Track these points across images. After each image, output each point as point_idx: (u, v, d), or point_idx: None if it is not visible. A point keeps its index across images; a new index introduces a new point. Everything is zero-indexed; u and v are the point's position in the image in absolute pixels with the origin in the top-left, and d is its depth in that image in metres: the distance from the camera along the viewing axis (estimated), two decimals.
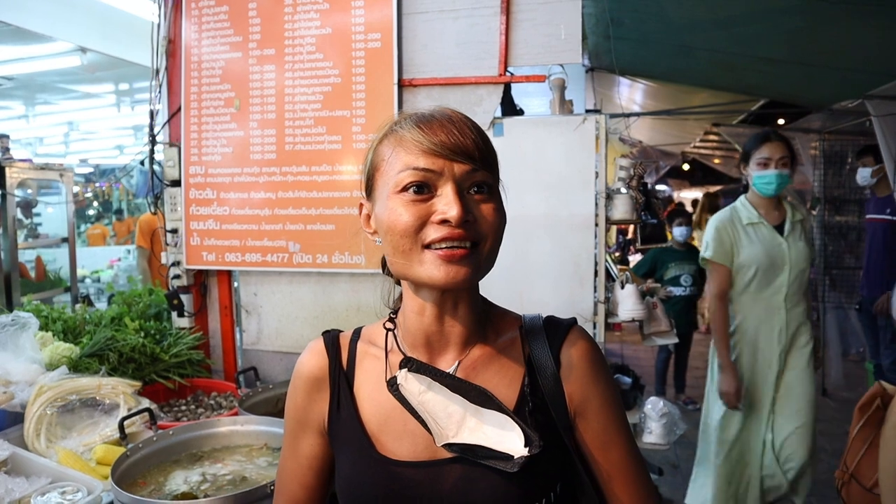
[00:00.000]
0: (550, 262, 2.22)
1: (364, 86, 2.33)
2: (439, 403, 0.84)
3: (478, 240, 0.79)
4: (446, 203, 0.77)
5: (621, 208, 2.22)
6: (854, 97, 4.05)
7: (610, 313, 2.27)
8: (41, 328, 2.26)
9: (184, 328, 2.58)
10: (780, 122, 6.97)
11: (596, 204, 2.19)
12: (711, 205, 8.22)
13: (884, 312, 4.23)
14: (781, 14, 3.03)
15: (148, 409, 1.92)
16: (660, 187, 13.02)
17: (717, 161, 10.48)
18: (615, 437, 0.88)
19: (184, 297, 2.58)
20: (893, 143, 3.95)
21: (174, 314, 2.59)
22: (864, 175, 4.48)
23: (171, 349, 2.42)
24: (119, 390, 1.99)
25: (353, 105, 2.34)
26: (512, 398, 0.86)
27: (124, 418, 1.85)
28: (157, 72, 2.60)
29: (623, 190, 2.24)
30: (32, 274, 4.48)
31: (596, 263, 2.21)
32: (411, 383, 0.85)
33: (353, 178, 2.35)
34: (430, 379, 0.85)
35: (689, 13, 3.37)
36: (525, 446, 0.80)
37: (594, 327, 2.21)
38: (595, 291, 2.21)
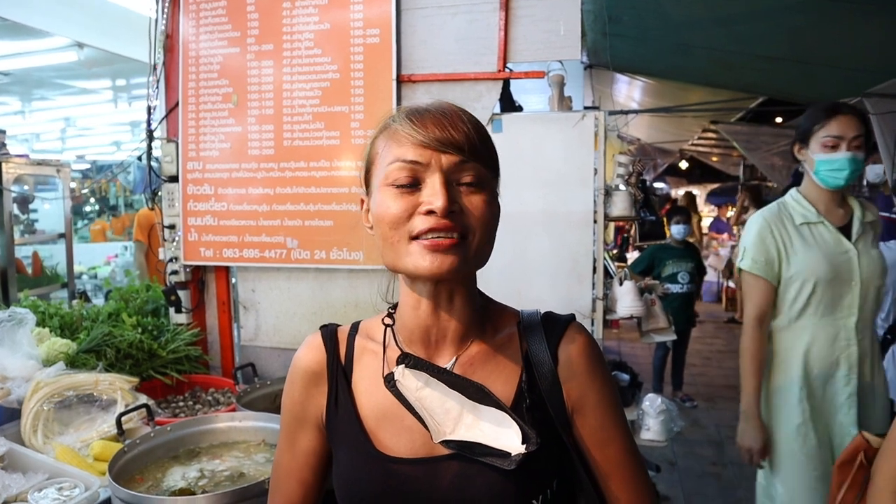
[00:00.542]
0: (549, 258, 2.22)
1: (363, 81, 2.32)
2: (437, 400, 0.84)
3: (465, 231, 0.79)
4: (432, 193, 0.77)
5: (620, 205, 2.22)
6: (853, 95, 4.06)
7: (608, 310, 2.27)
8: (38, 324, 2.25)
9: (181, 324, 2.57)
10: (778, 119, 6.98)
11: (595, 201, 2.19)
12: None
13: None
14: (781, 12, 3.03)
15: (145, 405, 1.92)
16: (657, 185, 13.03)
17: (714, 159, 10.50)
18: (613, 434, 0.88)
19: (181, 293, 2.58)
20: (891, 140, 3.96)
21: (172, 310, 2.58)
22: (876, 172, 4.44)
23: (168, 345, 2.42)
24: (116, 386, 1.99)
25: (351, 101, 2.34)
26: (509, 395, 0.86)
27: (122, 414, 1.85)
28: (155, 67, 2.59)
29: (622, 187, 2.24)
30: (29, 270, 4.46)
31: (594, 260, 2.20)
32: (409, 379, 0.84)
33: (352, 174, 2.35)
34: (427, 375, 0.84)
35: (688, 10, 3.37)
36: (522, 443, 0.80)
37: (592, 324, 2.21)
38: (593, 288, 2.21)
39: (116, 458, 1.59)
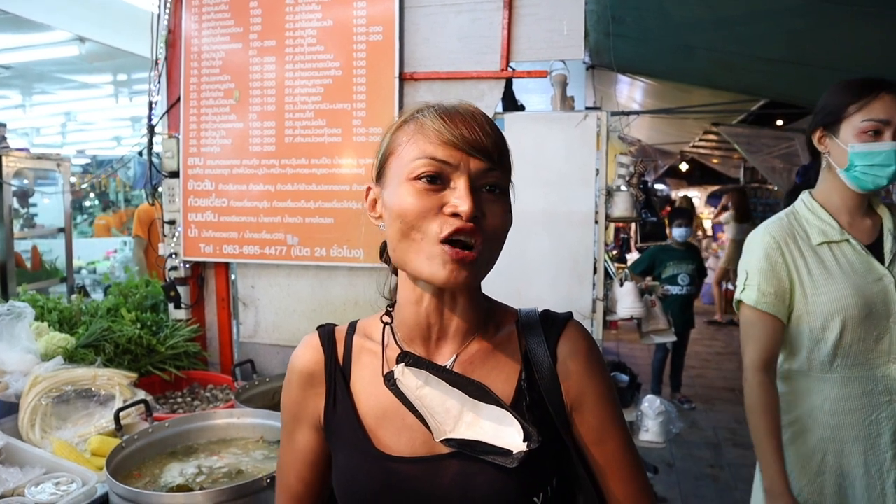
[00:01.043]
0: (549, 259, 2.22)
1: (365, 79, 2.32)
2: (437, 398, 0.84)
3: (484, 238, 0.78)
4: (459, 196, 0.76)
5: (621, 206, 2.21)
6: None
7: (608, 311, 2.27)
8: (37, 318, 2.25)
9: (180, 320, 2.57)
10: (779, 122, 6.98)
11: (596, 201, 2.19)
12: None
13: None
14: (783, 14, 3.03)
15: (144, 401, 1.92)
16: (658, 186, 13.05)
17: (715, 161, 10.51)
18: (611, 432, 0.88)
19: (181, 289, 2.57)
20: None
21: (171, 306, 2.58)
22: None
23: (167, 341, 2.42)
24: (115, 381, 1.99)
25: (353, 98, 2.33)
26: (509, 393, 0.86)
27: (120, 409, 1.85)
28: (157, 62, 2.59)
29: (623, 187, 2.24)
30: (28, 264, 4.46)
31: (595, 261, 2.20)
32: (409, 378, 0.84)
33: (353, 172, 2.34)
34: (427, 373, 0.84)
35: (691, 12, 3.37)
36: (524, 441, 0.80)
37: (592, 325, 2.21)
38: (594, 289, 2.21)
39: (114, 453, 1.59)
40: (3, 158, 3.59)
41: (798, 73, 4.09)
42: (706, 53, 4.10)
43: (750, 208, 8.52)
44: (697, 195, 13.75)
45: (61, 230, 4.29)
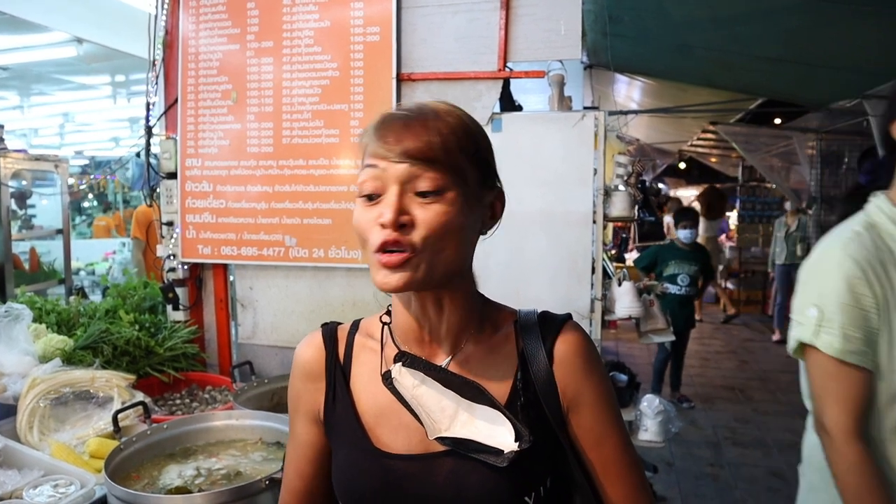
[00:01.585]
0: (547, 259, 2.22)
1: (362, 80, 2.32)
2: (432, 397, 0.85)
3: (417, 243, 0.77)
4: (384, 206, 0.78)
5: (619, 205, 2.21)
6: (852, 97, 4.06)
7: (607, 310, 2.27)
8: (35, 320, 2.24)
9: (179, 321, 2.57)
10: (777, 121, 6.99)
11: (594, 201, 2.19)
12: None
13: None
14: (780, 13, 3.03)
15: (142, 403, 1.92)
16: (659, 186, 13.03)
17: (713, 160, 10.51)
18: (608, 433, 0.88)
19: (179, 291, 2.57)
20: None
21: (169, 307, 2.57)
22: None
23: (165, 342, 2.41)
24: (113, 383, 1.98)
25: (351, 99, 2.33)
26: (504, 393, 0.86)
27: (118, 411, 1.85)
28: (154, 63, 2.58)
29: (621, 187, 2.24)
30: (26, 265, 4.46)
31: (593, 260, 2.20)
32: (405, 377, 0.85)
33: (351, 173, 2.34)
34: (423, 373, 0.85)
35: (688, 11, 3.37)
36: (515, 441, 0.81)
37: (591, 325, 2.21)
38: (592, 288, 2.21)
39: (112, 455, 1.59)
40: (1, 160, 3.59)
41: (796, 72, 4.09)
42: (704, 52, 4.10)
43: (723, 206, 8.56)
44: (695, 193, 13.74)
45: (59, 231, 4.29)
